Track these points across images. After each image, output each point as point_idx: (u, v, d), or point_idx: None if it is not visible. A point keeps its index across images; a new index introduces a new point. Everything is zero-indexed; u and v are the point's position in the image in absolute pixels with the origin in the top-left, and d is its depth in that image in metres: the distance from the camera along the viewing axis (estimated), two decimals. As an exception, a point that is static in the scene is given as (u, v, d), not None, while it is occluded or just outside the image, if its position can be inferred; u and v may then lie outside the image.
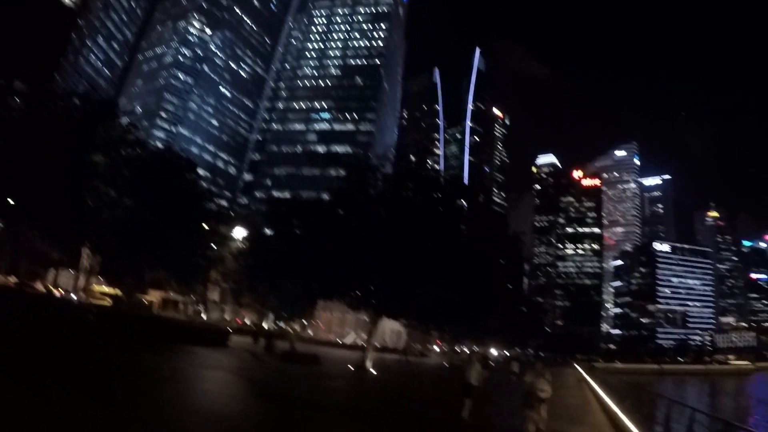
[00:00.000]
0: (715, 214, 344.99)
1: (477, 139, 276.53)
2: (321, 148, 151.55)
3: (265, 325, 67.02)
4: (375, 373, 30.17)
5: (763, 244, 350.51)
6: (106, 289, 53.49)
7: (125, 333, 23.69)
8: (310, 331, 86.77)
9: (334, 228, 31.53)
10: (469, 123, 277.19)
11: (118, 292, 46.96)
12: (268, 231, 43.36)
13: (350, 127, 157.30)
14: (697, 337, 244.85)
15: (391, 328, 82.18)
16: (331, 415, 13.60)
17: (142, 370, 16.13)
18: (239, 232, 45.31)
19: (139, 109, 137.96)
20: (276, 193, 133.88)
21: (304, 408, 14.22)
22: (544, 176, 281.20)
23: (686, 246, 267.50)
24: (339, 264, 30.38)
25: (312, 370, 27.19)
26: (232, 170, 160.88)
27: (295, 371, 25.00)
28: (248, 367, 24.07)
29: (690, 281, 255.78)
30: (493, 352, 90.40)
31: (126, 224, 33.50)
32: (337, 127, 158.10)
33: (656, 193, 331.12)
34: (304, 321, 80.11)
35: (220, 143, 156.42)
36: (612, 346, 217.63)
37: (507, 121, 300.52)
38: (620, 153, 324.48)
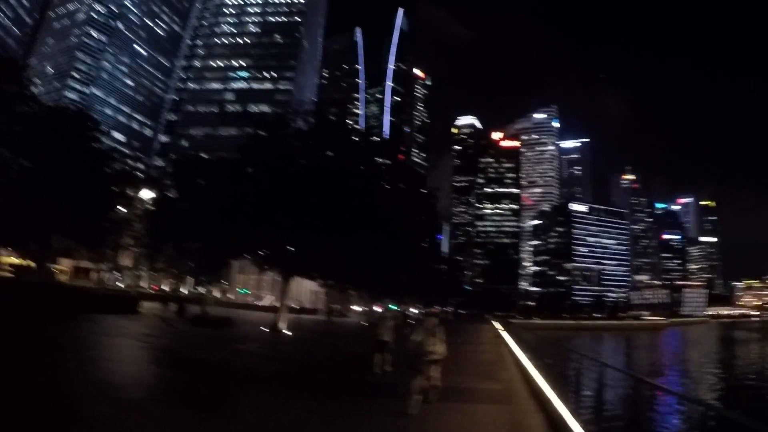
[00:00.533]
0: (630, 177, 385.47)
1: (398, 99, 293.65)
2: (239, 108, 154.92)
3: (185, 291, 71.59)
4: (289, 334, 31.59)
5: (675, 207, 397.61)
6: (14, 260, 54.04)
7: (26, 304, 23.97)
8: (230, 295, 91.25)
9: (242, 185, 32.43)
10: (390, 83, 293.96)
11: (30, 262, 46.50)
12: (174, 192, 42.86)
13: (269, 86, 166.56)
14: (613, 294, 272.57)
15: (308, 289, 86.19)
16: (233, 380, 13.76)
17: (38, 341, 16.51)
18: (147, 194, 46.01)
19: (50, 70, 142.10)
20: (192, 154, 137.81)
21: (205, 372, 14.67)
22: (464, 137, 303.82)
23: (602, 207, 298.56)
24: (246, 222, 31.12)
25: (223, 333, 28.67)
26: (147, 132, 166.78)
27: (204, 335, 25.99)
28: (155, 333, 24.77)
29: (606, 241, 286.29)
30: (413, 310, 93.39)
31: (22, 187, 33.26)
32: (255, 86, 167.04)
33: (574, 156, 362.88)
34: (222, 284, 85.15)
35: (135, 104, 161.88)
36: (530, 303, 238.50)
37: (429, 82, 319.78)
38: (540, 116, 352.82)
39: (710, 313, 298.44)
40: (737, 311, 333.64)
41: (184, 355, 18.88)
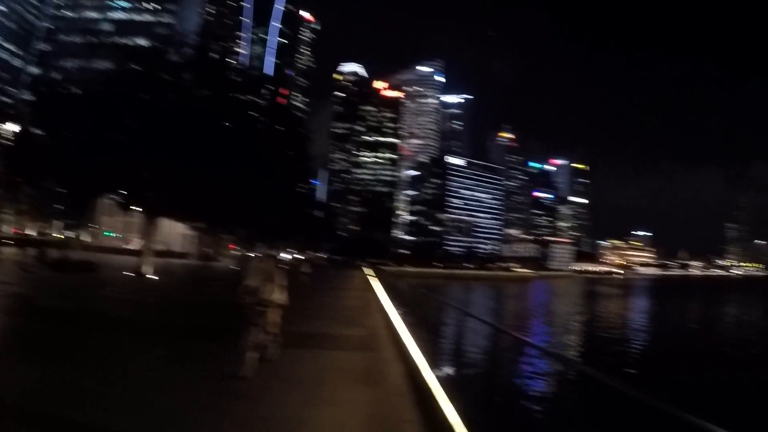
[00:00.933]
0: (509, 135, 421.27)
1: (284, 41, 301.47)
2: (117, 40, 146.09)
3: (58, 235, 73.45)
4: (155, 278, 31.69)
5: (549, 167, 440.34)
6: None
7: None
8: (99, 239, 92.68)
9: (103, 119, 31.97)
10: (276, 24, 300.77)
11: None
12: (36, 126, 41.30)
13: (149, 18, 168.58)
14: (484, 246, 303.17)
15: (179, 232, 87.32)
16: (85, 327, 13.64)
17: None
18: (11, 129, 45.20)
19: None
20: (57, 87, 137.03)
21: (57, 321, 14.63)
22: (348, 84, 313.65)
23: (479, 162, 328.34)
24: (105, 159, 30.90)
25: (84, 278, 28.44)
26: (17, 62, 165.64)
27: (62, 281, 25.71)
28: (8, 280, 24.54)
29: (480, 195, 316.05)
30: (286, 256, 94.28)
31: None
32: (135, 17, 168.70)
33: (456, 111, 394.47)
34: (92, 228, 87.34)
35: (3, 32, 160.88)
36: (404, 251, 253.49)
37: (317, 27, 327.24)
38: (425, 69, 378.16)
39: (576, 268, 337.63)
40: (602, 268, 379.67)
41: (35, 302, 18.86)
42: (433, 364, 9.01)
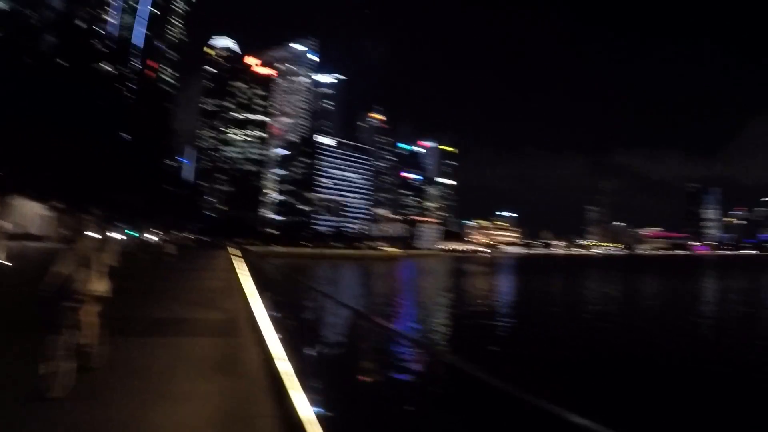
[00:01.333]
0: (380, 116, 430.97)
1: (156, 11, 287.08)
2: None
3: None
4: (8, 264, 30.61)
5: (416, 148, 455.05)
6: None
7: None
8: None
9: None
10: None
11: None
12: None
13: None
14: (353, 225, 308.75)
15: (37, 213, 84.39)
16: None
17: None
18: None
19: None
20: None
21: None
22: (220, 59, 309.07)
23: (350, 142, 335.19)
24: None
25: None
26: None
27: None
28: None
29: (350, 174, 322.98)
30: (151, 237, 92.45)
31: None
32: None
33: (328, 90, 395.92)
34: None
35: None
36: (273, 231, 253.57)
37: None
38: (299, 47, 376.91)
39: (444, 247, 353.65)
40: (468, 247, 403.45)
41: None
42: (291, 353, 8.76)
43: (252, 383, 8.08)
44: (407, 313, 41.06)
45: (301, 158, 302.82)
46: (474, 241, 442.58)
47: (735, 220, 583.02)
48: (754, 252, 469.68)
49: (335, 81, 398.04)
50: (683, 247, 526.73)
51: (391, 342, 9.14)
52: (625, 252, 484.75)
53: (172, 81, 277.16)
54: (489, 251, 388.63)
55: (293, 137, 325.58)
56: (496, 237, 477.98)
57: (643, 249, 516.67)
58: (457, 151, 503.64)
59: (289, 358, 8.64)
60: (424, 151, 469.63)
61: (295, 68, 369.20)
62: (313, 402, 6.44)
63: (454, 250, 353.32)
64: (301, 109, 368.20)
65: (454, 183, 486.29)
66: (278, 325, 11.25)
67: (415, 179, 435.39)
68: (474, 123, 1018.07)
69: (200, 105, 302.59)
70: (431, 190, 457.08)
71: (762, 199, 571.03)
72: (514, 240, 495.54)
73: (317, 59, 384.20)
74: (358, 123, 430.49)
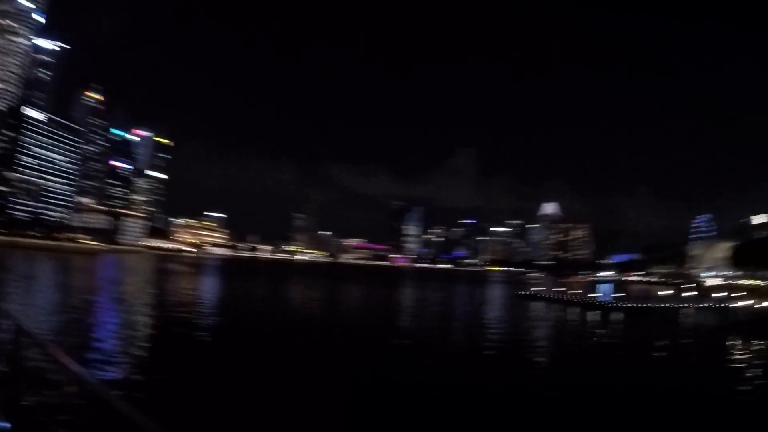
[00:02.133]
0: (96, 96, 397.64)
1: None
2: None
3: None
4: None
5: (130, 136, 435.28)
6: None
7: None
8: None
9: None
10: None
11: None
12: None
13: None
14: (53, 213, 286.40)
15: None
16: None
17: None
18: None
19: None
20: None
21: None
22: None
23: (61, 120, 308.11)
24: None
25: None
26: None
27: None
28: None
29: (55, 156, 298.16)
30: None
31: None
32: None
33: (46, 58, 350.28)
34: None
35: None
36: None
37: None
38: (26, 3, 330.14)
39: (148, 244, 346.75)
40: (174, 245, 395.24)
41: None
42: None
43: None
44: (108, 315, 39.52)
45: (3, 130, 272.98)
46: (180, 239, 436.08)
47: (434, 237, 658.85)
48: (450, 266, 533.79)
49: (57, 49, 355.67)
50: (384, 258, 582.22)
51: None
52: (330, 260, 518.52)
53: None
54: (194, 251, 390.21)
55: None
56: (203, 237, 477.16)
57: (346, 258, 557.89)
58: (172, 143, 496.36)
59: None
60: (139, 140, 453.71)
61: (16, 26, 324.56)
62: None
63: (158, 248, 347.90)
64: (13, 73, 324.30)
65: (165, 177, 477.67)
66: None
67: (124, 169, 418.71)
68: (193, 119, 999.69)
69: None
70: (140, 183, 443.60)
71: (459, 221, 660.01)
72: (221, 241, 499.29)
73: (43, 20, 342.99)
74: (73, 100, 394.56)
